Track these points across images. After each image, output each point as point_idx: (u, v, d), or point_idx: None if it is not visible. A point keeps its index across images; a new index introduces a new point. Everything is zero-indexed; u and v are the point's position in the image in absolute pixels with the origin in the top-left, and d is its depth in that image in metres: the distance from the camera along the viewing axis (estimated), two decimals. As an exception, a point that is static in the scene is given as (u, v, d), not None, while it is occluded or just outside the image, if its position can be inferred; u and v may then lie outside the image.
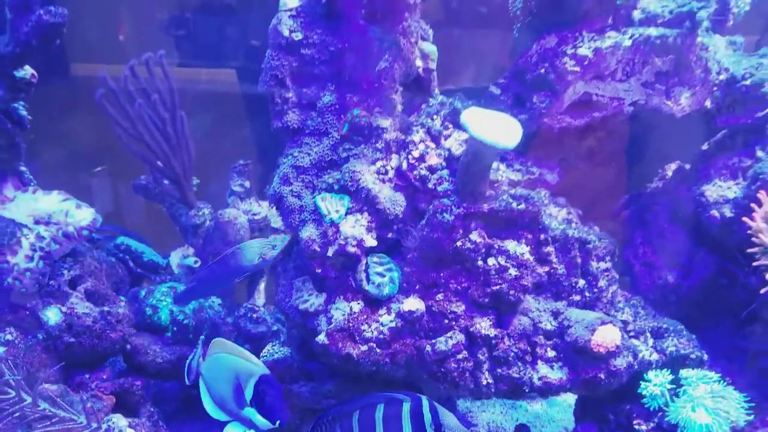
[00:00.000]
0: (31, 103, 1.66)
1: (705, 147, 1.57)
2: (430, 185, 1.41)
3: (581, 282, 1.42)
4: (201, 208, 1.93)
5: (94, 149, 2.46)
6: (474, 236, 1.37)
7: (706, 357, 1.44)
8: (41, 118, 1.73)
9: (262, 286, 2.00)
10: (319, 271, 1.42)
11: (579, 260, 1.42)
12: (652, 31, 1.35)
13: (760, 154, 1.43)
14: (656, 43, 1.35)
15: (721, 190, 1.45)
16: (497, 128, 1.30)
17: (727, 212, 1.43)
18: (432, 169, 1.41)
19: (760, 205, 1.34)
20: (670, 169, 1.66)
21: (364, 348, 1.37)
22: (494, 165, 1.43)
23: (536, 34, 1.45)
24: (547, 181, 1.50)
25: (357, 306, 1.41)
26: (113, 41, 2.43)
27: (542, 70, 1.40)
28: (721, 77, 1.38)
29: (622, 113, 1.41)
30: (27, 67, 1.55)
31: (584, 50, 1.37)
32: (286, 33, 1.41)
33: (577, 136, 1.49)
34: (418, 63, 1.45)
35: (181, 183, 1.87)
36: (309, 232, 1.41)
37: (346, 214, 1.40)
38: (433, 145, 1.43)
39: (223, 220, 1.85)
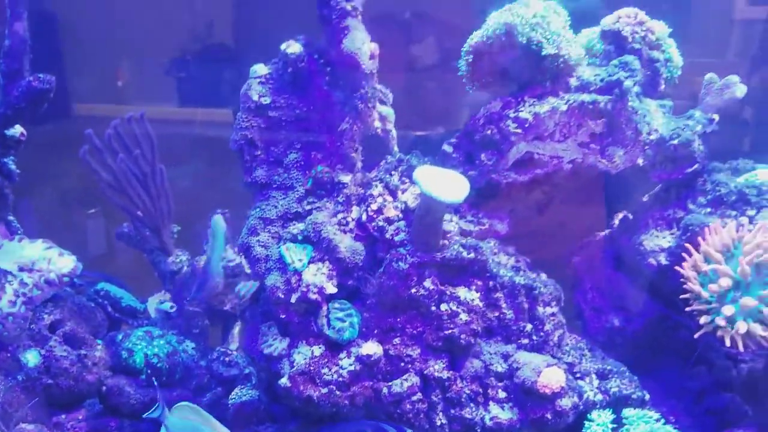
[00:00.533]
0: (31, 141, 1.77)
1: (645, 199, 1.70)
2: (387, 235, 1.52)
3: (529, 326, 1.52)
4: (178, 255, 2.03)
5: (90, 190, 2.55)
6: (427, 283, 1.47)
7: (647, 397, 1.52)
8: (41, 157, 1.84)
9: (236, 330, 2.09)
10: (283, 316, 1.52)
11: (526, 305, 1.52)
12: (585, 97, 1.49)
13: (690, 206, 1.56)
14: (589, 108, 1.49)
15: (657, 239, 1.57)
16: (446, 185, 1.42)
17: (663, 260, 1.54)
18: (389, 221, 1.53)
19: (690, 254, 1.45)
20: (617, 218, 1.78)
21: (325, 390, 1.46)
22: (447, 217, 1.55)
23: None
24: (498, 231, 1.61)
25: (318, 350, 1.50)
26: (115, 81, 2.53)
27: (488, 132, 1.54)
28: (652, 137, 1.51)
29: (562, 170, 1.53)
30: (17, 126, 1.68)
31: (525, 114, 1.50)
32: (255, 97, 1.55)
33: (525, 190, 1.61)
34: (377, 124, 1.58)
35: (160, 232, 1.98)
36: (274, 279, 1.52)
37: (309, 263, 1.51)
38: (390, 199, 1.55)
39: (198, 266, 1.95)
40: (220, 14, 2.38)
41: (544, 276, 1.61)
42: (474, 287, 1.50)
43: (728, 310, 1.36)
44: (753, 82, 2.09)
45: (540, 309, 1.53)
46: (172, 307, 2.03)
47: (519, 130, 1.51)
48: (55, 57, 2.36)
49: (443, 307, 1.48)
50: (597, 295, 1.74)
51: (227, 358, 1.96)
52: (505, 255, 1.59)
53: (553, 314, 1.55)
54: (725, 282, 1.35)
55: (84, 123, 2.37)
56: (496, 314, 1.52)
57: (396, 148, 1.67)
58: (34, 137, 1.82)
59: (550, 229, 1.83)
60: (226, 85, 2.45)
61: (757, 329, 1.33)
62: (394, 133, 1.68)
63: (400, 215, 1.54)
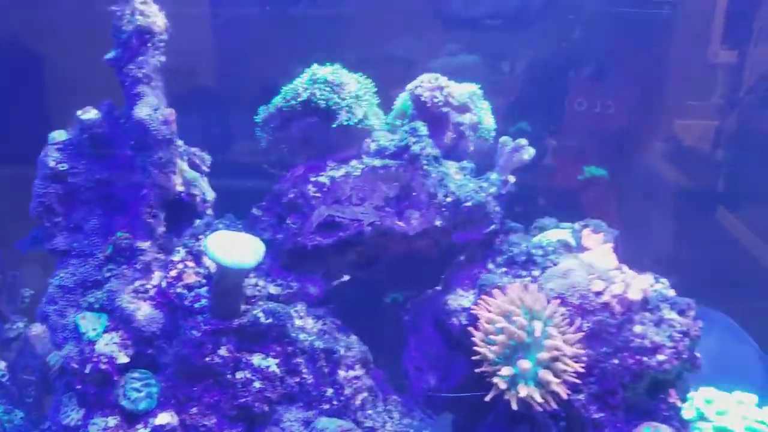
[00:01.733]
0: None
1: (462, 258, 1.72)
2: (187, 302, 1.50)
3: (329, 391, 1.51)
4: (15, 322, 1.98)
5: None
6: (222, 351, 1.45)
7: (448, 460, 1.51)
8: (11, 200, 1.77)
9: (73, 396, 2.02)
10: (80, 387, 1.48)
11: (327, 370, 1.51)
12: (377, 162, 1.52)
13: (490, 266, 1.58)
14: (380, 173, 1.51)
15: (460, 299, 1.58)
16: (238, 250, 1.42)
17: (463, 320, 1.55)
18: (189, 287, 1.51)
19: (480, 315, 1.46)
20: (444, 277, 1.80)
21: (115, 463, 1.41)
22: (252, 281, 1.54)
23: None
24: (310, 294, 1.61)
25: (113, 421, 1.46)
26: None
27: (292, 195, 1.55)
28: (448, 199, 1.54)
29: (363, 233, 1.54)
30: None
31: (323, 178, 1.52)
32: (52, 164, 1.54)
33: (337, 252, 1.61)
34: (180, 188, 1.58)
35: (-9, 297, 1.93)
36: (69, 350, 1.48)
37: (104, 332, 1.48)
38: (193, 264, 1.54)
39: (31, 334, 1.89)
40: (201, 60, 2.34)
41: (353, 338, 1.60)
42: (272, 353, 1.48)
43: (507, 370, 1.36)
44: (727, 124, 2.21)
45: (342, 373, 1.52)
46: (3, 376, 1.96)
47: (318, 194, 1.53)
48: (31, 99, 2.31)
49: (239, 375, 1.46)
50: (419, 355, 1.73)
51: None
52: (313, 318, 1.59)
53: (356, 377, 1.54)
54: (501, 339, 1.36)
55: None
56: (297, 380, 1.50)
57: (209, 212, 1.67)
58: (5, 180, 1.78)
59: (370, 290, 1.84)
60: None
61: (535, 393, 1.34)
62: (209, 195, 1.68)
63: (203, 281, 1.53)
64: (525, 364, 1.35)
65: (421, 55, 2.15)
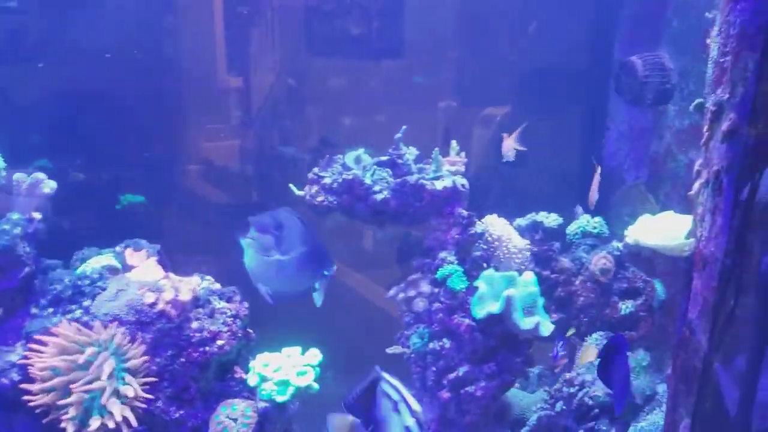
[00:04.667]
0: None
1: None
2: None
3: None
4: None
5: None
6: None
7: None
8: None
9: None
10: None
11: None
12: None
13: (34, 311, 1.46)
14: None
15: (7, 355, 1.42)
16: None
17: (15, 376, 1.41)
18: None
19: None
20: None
21: None
22: None
23: None
24: None
25: None
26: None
27: None
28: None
29: None
30: None
31: None
32: None
33: None
34: None
35: None
36: None
37: None
38: None
39: None
40: None
41: None
42: None
43: (73, 411, 1.31)
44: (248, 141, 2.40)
45: None
46: None
47: None
48: None
49: None
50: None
51: None
52: None
53: None
54: (60, 382, 1.31)
55: None
56: None
57: None
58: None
59: None
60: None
61: (109, 422, 1.32)
62: None
63: None
64: (72, 398, 1.31)
65: None
